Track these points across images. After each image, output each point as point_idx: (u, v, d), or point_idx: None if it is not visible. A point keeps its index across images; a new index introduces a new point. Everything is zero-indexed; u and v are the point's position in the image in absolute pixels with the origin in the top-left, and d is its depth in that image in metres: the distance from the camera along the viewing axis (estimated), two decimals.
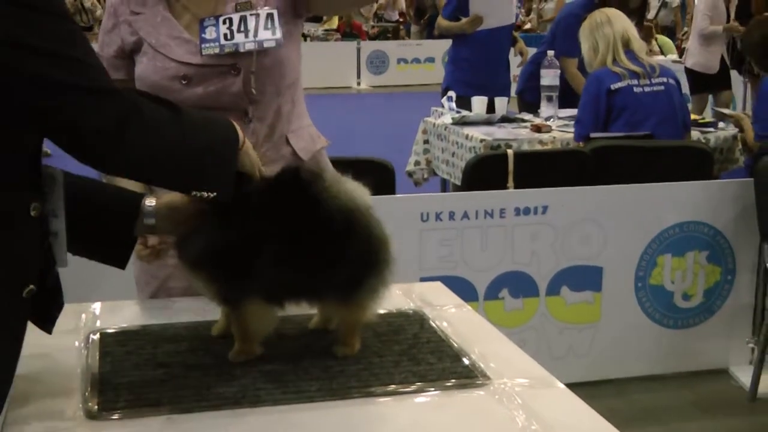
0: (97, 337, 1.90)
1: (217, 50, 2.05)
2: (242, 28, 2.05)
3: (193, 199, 1.72)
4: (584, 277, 3.97)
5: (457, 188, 5.20)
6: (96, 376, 1.70)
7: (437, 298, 2.15)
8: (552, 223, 3.87)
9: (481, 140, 4.92)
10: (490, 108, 5.61)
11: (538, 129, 5.10)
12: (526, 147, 4.85)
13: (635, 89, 4.66)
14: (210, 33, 2.05)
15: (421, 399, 1.63)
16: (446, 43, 6.57)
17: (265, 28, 2.06)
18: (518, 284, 3.89)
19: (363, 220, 1.70)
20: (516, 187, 4.10)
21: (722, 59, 8.93)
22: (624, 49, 4.74)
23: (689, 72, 8.93)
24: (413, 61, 16.81)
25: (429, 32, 16.81)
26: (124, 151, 1.44)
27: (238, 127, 1.67)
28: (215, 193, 1.61)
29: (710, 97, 9.12)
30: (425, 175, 5.78)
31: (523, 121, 5.49)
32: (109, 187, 1.82)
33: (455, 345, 1.85)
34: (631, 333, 4.06)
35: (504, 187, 4.09)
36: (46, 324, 1.58)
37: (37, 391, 1.64)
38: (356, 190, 1.70)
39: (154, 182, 1.66)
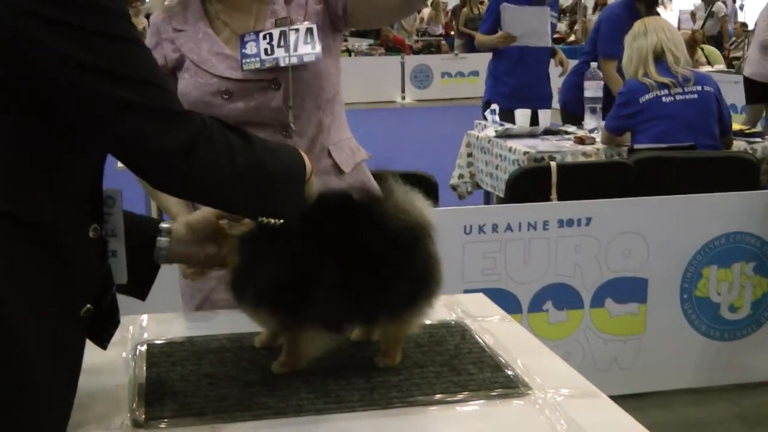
0: (144, 348, 1.93)
1: (257, 65, 2.08)
2: (282, 43, 2.08)
3: (217, 217, 1.75)
4: (629, 289, 3.96)
5: (500, 201, 5.21)
6: (143, 386, 1.73)
7: (479, 309, 2.16)
8: (596, 235, 3.86)
9: (525, 153, 4.93)
10: (533, 120, 5.62)
11: (581, 141, 5.10)
12: (569, 159, 4.84)
13: (664, 99, 4.71)
14: (250, 48, 2.09)
15: (462, 409, 1.64)
16: (490, 57, 6.60)
17: (305, 42, 2.09)
18: (562, 296, 3.89)
19: (425, 238, 1.71)
20: (559, 199, 4.11)
21: None
22: (657, 61, 4.78)
23: (747, 81, 8.77)
24: (457, 75, 16.83)
25: (471, 46, 16.82)
26: (191, 174, 1.45)
27: (305, 157, 1.67)
28: (282, 220, 1.63)
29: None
30: (469, 189, 5.80)
31: (567, 133, 5.48)
32: (127, 214, 1.84)
33: (497, 356, 1.85)
34: (676, 345, 4.04)
35: (547, 199, 4.09)
36: (102, 341, 1.61)
37: (85, 400, 1.66)
38: (425, 207, 1.70)
39: (219, 207, 1.67)
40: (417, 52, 18.51)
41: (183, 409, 1.62)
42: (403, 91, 16.72)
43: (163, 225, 1.78)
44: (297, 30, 2.09)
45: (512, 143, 5.15)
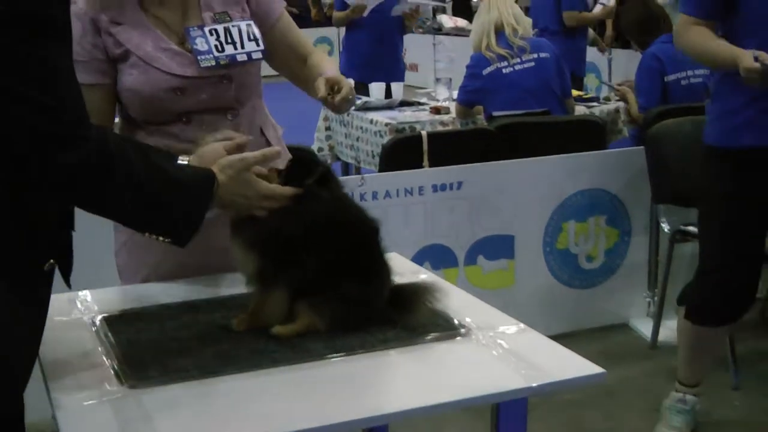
0: (102, 320, 2.02)
1: (213, 62, 2.17)
2: (229, 40, 2.18)
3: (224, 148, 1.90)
4: (498, 246, 4.22)
5: (358, 171, 5.45)
6: (118, 353, 1.84)
7: (398, 267, 2.35)
8: (467, 198, 4.11)
9: (387, 124, 5.16)
10: (387, 93, 5.87)
11: (437, 111, 5.38)
12: (428, 128, 5.10)
13: (504, 70, 5.02)
14: (201, 44, 2.16)
15: (415, 349, 1.85)
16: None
17: (249, 39, 2.20)
18: (439, 256, 4.11)
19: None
20: (431, 165, 4.33)
21: None
22: (497, 34, 5.07)
23: None
24: None
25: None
26: (79, 186, 1.59)
27: (216, 181, 1.80)
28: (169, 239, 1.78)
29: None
30: (328, 161, 5.99)
31: (420, 104, 5.77)
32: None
33: (428, 303, 2.06)
34: (542, 295, 4.34)
35: (420, 166, 4.32)
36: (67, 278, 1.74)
37: (68, 371, 1.77)
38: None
39: (108, 217, 1.78)
40: None
41: (167, 369, 1.75)
42: None
43: (180, 162, 1.86)
44: (239, 27, 2.20)
45: (372, 115, 5.38)
